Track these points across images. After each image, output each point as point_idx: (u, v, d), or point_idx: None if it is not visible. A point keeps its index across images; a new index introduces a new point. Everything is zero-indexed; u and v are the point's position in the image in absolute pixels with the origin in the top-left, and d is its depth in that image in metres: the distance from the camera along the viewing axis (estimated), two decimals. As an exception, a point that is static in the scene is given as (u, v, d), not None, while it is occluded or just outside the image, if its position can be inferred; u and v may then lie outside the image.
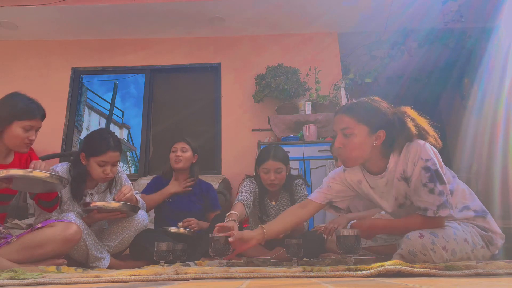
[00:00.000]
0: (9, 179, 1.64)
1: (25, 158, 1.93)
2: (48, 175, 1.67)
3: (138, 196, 2.25)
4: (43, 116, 1.87)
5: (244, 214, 2.06)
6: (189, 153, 2.60)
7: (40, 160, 1.80)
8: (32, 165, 1.73)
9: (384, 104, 1.61)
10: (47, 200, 1.90)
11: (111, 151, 2.06)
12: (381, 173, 1.60)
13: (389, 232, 1.72)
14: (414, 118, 1.56)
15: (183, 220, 2.41)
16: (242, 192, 2.27)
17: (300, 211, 1.75)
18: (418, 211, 1.50)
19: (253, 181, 2.38)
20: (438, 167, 1.48)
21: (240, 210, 2.01)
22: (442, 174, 1.48)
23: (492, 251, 1.55)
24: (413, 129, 1.52)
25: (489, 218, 1.58)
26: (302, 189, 2.37)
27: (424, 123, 1.57)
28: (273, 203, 2.39)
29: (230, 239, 1.58)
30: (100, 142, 2.08)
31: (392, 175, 1.58)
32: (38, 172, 1.65)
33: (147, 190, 2.64)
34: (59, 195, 2.01)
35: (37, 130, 1.85)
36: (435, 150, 1.54)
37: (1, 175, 1.60)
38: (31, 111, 1.81)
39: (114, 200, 2.12)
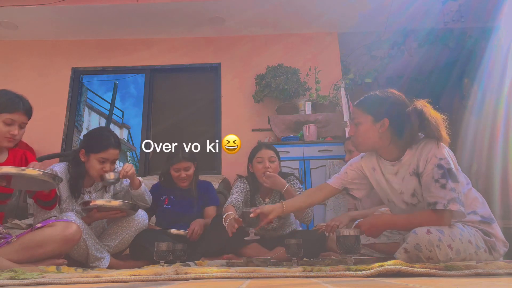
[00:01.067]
0: (6, 177, 1.64)
1: (20, 156, 1.92)
2: (41, 173, 1.65)
3: (141, 179, 2.28)
4: (27, 111, 1.84)
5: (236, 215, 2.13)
6: (192, 169, 2.56)
7: (37, 162, 1.79)
8: (31, 165, 1.73)
9: (396, 95, 1.69)
10: (46, 200, 1.90)
11: (112, 148, 2.09)
12: (394, 161, 1.68)
13: (393, 228, 1.72)
14: (426, 116, 1.59)
15: (184, 225, 2.40)
16: (232, 194, 2.35)
17: (316, 193, 1.86)
18: (428, 207, 1.52)
19: (245, 181, 2.43)
20: (452, 167, 1.52)
21: (233, 212, 2.12)
22: (456, 174, 1.51)
23: (495, 257, 1.56)
24: (416, 126, 1.59)
25: (495, 226, 1.59)
26: (296, 183, 2.40)
27: (439, 124, 1.59)
28: (267, 200, 2.41)
29: (251, 215, 1.77)
30: (102, 139, 2.10)
31: (405, 168, 1.64)
32: (31, 170, 1.64)
33: None
34: (58, 193, 2.01)
35: (21, 125, 1.83)
36: (451, 153, 1.59)
37: None
38: (12, 104, 1.79)
39: (113, 198, 2.13)
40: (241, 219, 1.85)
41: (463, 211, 1.48)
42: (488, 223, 1.58)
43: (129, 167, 2.13)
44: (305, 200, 1.87)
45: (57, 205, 2.02)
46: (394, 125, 1.64)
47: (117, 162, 2.21)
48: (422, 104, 1.61)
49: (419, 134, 1.66)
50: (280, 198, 2.39)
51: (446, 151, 1.56)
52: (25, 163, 1.91)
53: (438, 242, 1.42)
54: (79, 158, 2.10)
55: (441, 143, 1.58)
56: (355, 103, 1.77)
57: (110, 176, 2.07)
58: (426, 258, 1.42)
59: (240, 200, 2.29)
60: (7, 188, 1.83)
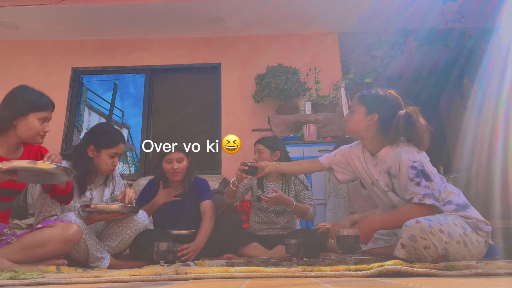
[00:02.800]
0: (13, 171, 1.62)
1: (35, 152, 1.93)
2: (55, 166, 1.65)
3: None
4: (53, 108, 1.92)
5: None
6: (185, 162, 2.48)
7: (56, 152, 1.81)
8: (47, 155, 1.75)
9: (393, 97, 1.86)
10: (63, 195, 1.92)
11: (122, 143, 2.16)
12: (374, 154, 1.86)
13: (384, 227, 1.78)
14: (415, 122, 1.74)
15: (180, 226, 2.38)
16: None
17: (306, 164, 2.20)
18: (406, 203, 1.66)
19: None
20: (425, 168, 1.67)
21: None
22: (428, 174, 1.65)
23: (482, 236, 1.63)
24: (402, 128, 1.75)
25: (470, 209, 1.70)
26: (299, 182, 2.53)
27: (424, 132, 1.74)
28: (272, 183, 2.57)
29: (249, 164, 2.17)
30: (112, 134, 2.16)
31: (381, 164, 1.83)
32: (43, 164, 1.64)
33: (142, 195, 2.57)
34: (73, 189, 2.01)
35: (49, 121, 1.89)
36: (426, 160, 1.73)
37: (5, 167, 1.57)
38: (45, 102, 1.86)
39: (113, 200, 2.13)
40: (244, 167, 2.19)
41: (437, 205, 1.60)
42: (463, 209, 1.68)
43: (132, 193, 2.14)
44: (296, 166, 2.22)
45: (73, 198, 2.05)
46: (382, 122, 1.82)
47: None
48: (414, 110, 1.77)
49: (401, 138, 1.81)
50: (285, 184, 2.54)
51: (420, 156, 1.71)
52: (40, 158, 1.92)
53: (429, 229, 1.47)
54: (87, 155, 2.12)
55: (417, 149, 1.73)
56: (358, 93, 1.96)
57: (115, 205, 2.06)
58: (423, 247, 1.45)
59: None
60: (18, 185, 1.84)
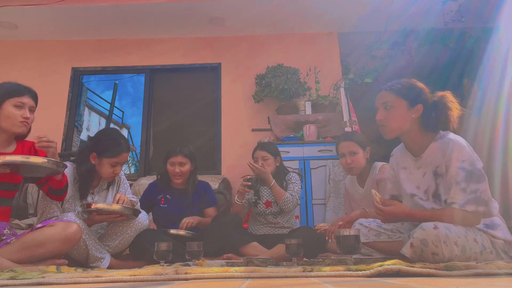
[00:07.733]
0: (7, 165, 1.65)
1: (28, 147, 1.93)
2: (46, 160, 1.69)
3: (135, 198, 2.28)
4: (34, 96, 1.90)
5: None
6: (187, 166, 2.53)
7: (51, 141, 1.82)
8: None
9: (421, 84, 1.72)
10: (57, 188, 1.92)
11: (125, 153, 2.15)
12: (419, 155, 1.71)
13: (415, 220, 1.68)
14: (449, 106, 1.64)
15: (179, 223, 2.38)
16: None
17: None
18: (446, 206, 1.56)
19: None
20: (475, 167, 1.53)
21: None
22: (479, 174, 1.53)
23: (506, 260, 1.54)
24: (452, 116, 1.63)
25: (503, 228, 1.60)
26: (294, 176, 2.63)
27: (456, 115, 1.65)
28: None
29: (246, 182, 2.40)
30: (115, 144, 2.13)
31: (427, 165, 1.67)
32: (35, 158, 1.68)
33: (144, 198, 2.62)
34: (68, 184, 2.01)
35: (31, 109, 1.87)
36: (475, 155, 1.58)
37: None
38: (19, 88, 1.85)
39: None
40: (248, 182, 2.37)
41: (480, 210, 1.49)
42: (492, 228, 1.59)
43: (123, 198, 2.11)
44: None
45: (61, 202, 2.04)
46: (426, 113, 1.67)
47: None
48: (444, 94, 1.66)
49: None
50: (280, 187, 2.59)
51: (468, 148, 1.58)
52: (33, 153, 1.92)
53: (445, 238, 1.43)
54: (89, 161, 2.11)
55: (465, 140, 1.60)
56: (384, 87, 1.77)
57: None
58: (431, 253, 1.43)
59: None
60: (16, 178, 1.84)
